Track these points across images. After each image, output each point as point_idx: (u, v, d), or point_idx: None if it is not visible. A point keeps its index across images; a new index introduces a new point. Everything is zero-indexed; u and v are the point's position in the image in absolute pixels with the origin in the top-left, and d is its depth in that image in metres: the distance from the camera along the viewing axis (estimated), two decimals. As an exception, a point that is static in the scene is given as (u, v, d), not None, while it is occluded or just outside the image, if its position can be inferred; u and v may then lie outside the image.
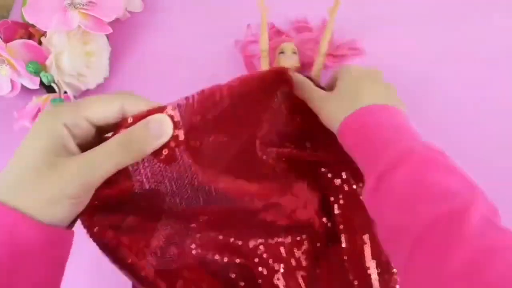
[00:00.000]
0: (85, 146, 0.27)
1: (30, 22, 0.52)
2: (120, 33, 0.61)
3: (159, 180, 0.30)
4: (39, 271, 0.26)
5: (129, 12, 0.61)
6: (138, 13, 0.62)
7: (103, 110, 0.27)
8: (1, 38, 0.53)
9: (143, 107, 0.28)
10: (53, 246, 0.27)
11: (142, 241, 0.34)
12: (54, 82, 0.53)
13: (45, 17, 0.52)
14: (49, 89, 0.55)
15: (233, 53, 0.58)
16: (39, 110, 0.52)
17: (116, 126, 0.28)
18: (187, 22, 0.62)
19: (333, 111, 0.37)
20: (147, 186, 0.30)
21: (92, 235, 0.29)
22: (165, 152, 0.29)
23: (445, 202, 0.26)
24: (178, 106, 0.29)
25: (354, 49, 0.54)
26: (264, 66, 0.51)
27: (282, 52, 0.52)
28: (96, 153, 0.26)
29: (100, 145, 0.27)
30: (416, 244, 0.26)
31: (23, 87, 0.54)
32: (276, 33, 0.57)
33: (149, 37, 0.62)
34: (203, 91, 0.31)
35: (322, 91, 0.39)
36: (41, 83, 0.54)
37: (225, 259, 0.40)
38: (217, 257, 0.39)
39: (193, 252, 0.38)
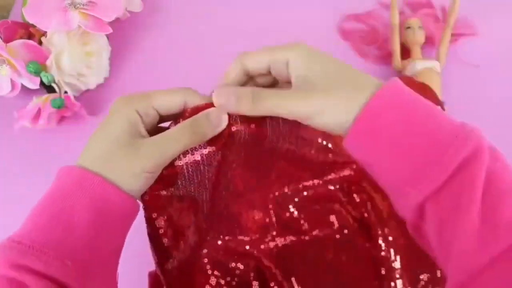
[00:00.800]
0: (150, 132, 0.31)
1: (30, 22, 0.52)
2: (120, 33, 0.61)
3: (209, 162, 0.35)
4: (117, 237, 0.30)
5: (129, 12, 0.61)
6: (138, 13, 0.62)
7: (169, 101, 0.32)
8: (1, 38, 0.53)
9: (201, 101, 0.32)
10: (130, 215, 0.31)
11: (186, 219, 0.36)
12: (54, 82, 0.53)
13: (45, 17, 0.52)
14: (49, 89, 0.55)
15: (233, 52, 0.58)
16: (39, 110, 0.52)
17: (177, 116, 0.32)
18: (187, 22, 0.62)
19: (332, 110, 0.28)
20: (201, 167, 0.34)
21: (144, 201, 0.33)
22: (219, 139, 0.33)
23: None
24: None
25: (468, 28, 0.54)
26: (395, 40, 0.53)
27: (409, 27, 0.53)
28: (167, 137, 0.30)
29: (169, 130, 0.31)
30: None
31: (23, 87, 0.54)
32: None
33: (149, 37, 0.62)
34: None
35: (286, 90, 0.30)
36: (41, 83, 0.54)
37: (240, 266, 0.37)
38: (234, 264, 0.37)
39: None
